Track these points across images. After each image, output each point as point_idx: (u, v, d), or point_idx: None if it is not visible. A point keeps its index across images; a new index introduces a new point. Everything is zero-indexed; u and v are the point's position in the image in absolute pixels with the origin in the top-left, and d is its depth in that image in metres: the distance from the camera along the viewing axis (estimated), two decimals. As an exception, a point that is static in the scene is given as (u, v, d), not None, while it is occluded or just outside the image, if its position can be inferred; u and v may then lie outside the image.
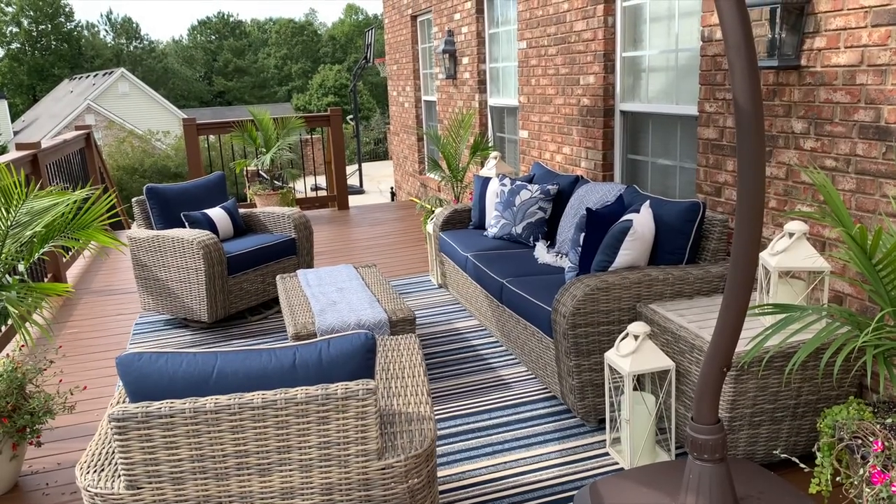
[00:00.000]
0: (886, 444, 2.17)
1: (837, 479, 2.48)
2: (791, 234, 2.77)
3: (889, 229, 2.56)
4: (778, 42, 3.08)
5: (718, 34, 3.59)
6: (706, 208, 3.60)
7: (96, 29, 45.55)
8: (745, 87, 1.77)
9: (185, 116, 8.36)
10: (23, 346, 4.26)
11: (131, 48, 45.34)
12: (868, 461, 2.16)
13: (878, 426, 2.26)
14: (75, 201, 2.91)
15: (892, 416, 2.33)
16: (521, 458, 2.93)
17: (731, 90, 1.80)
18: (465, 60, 7.37)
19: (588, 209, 3.42)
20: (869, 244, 2.08)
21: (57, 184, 6.10)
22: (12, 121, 29.41)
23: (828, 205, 2.39)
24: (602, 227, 3.41)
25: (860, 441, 2.25)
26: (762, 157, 1.83)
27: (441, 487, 2.75)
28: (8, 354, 3.22)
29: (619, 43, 4.70)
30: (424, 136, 9.27)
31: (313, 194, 9.18)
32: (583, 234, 3.45)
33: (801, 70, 3.09)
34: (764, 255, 2.85)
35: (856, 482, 2.21)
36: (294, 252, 5.05)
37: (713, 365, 2.09)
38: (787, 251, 2.75)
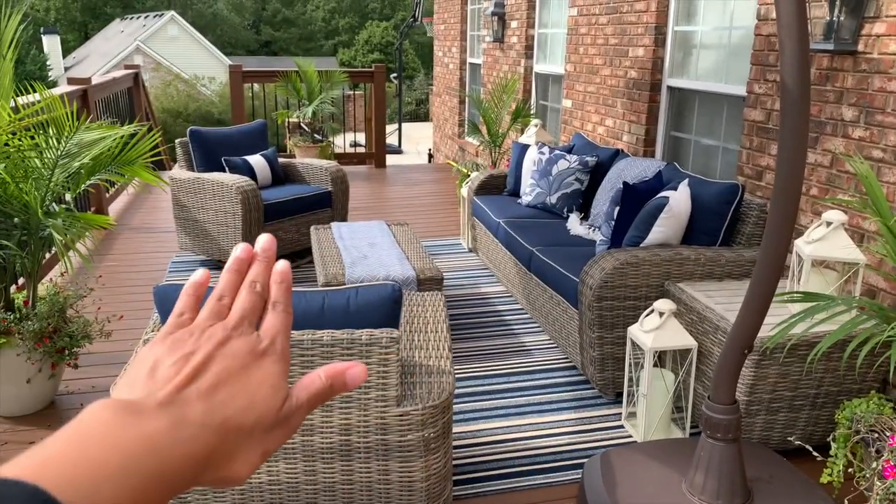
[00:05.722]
0: (903, 439, 2.17)
1: (850, 470, 2.48)
2: (829, 223, 2.73)
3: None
4: (836, 25, 3.00)
5: (774, 13, 3.50)
6: (745, 191, 3.56)
7: (149, -31, 45.69)
8: (793, 67, 1.74)
9: (232, 63, 8.43)
10: (64, 272, 4.42)
11: (182, -9, 45.47)
12: (882, 455, 2.17)
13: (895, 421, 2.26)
14: (122, 136, 2.99)
15: (913, 413, 2.32)
16: (536, 423, 2.99)
17: (780, 70, 1.77)
18: (513, 24, 7.28)
19: (625, 183, 3.41)
20: (907, 238, 2.05)
21: (106, 117, 6.24)
22: (63, 56, 29.83)
23: (869, 196, 2.35)
24: (638, 203, 3.40)
25: (877, 435, 2.25)
26: (805, 140, 1.81)
27: (455, 442, 2.82)
28: (51, 279, 3.35)
29: (672, 16, 4.60)
30: (466, 99, 9.22)
31: (352, 150, 9.22)
32: (617, 207, 3.44)
33: (857, 56, 3.01)
34: (799, 243, 2.82)
35: (868, 475, 2.21)
36: (329, 204, 5.11)
37: (735, 345, 2.10)
38: (823, 240, 2.72)
